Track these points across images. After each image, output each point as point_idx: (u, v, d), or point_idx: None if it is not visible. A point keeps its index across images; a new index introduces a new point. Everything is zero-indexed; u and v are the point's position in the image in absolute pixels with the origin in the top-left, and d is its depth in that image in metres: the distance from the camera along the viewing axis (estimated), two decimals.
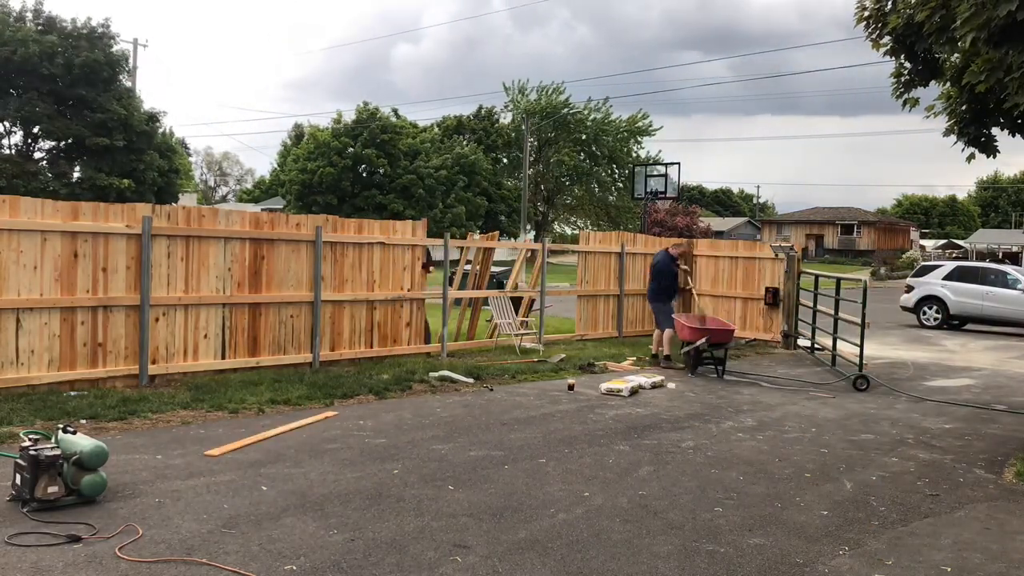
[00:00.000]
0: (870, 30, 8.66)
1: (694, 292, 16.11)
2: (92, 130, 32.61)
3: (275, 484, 6.07)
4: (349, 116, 50.57)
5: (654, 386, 10.86)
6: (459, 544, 5.04)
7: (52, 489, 5.34)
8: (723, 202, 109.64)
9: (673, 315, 13.35)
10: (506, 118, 59.24)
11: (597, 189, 59.32)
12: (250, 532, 5.09)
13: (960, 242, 75.76)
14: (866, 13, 8.66)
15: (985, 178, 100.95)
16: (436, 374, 10.82)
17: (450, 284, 13.53)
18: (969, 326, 21.78)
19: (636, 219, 51.85)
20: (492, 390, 10.39)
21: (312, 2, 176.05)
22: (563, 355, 13.14)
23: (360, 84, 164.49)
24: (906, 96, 9.00)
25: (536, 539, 5.17)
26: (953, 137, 8.80)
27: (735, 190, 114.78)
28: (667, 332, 13.13)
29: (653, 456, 7.38)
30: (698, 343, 12.08)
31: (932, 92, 8.99)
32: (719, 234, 65.24)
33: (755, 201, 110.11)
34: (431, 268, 12.87)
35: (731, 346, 12.86)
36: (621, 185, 57.08)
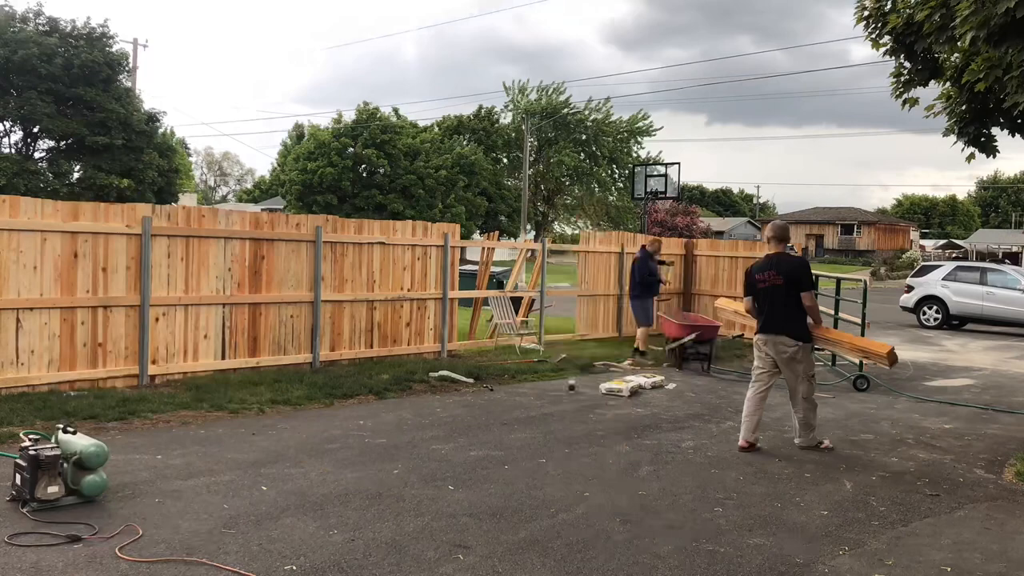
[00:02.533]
0: (870, 30, 8.66)
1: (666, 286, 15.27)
2: (91, 129, 32.60)
3: (275, 484, 6.07)
4: (349, 116, 50.63)
5: (654, 386, 10.87)
6: (459, 544, 5.04)
7: (52, 489, 5.34)
8: (723, 202, 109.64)
9: (659, 313, 13.66)
10: (506, 118, 59.26)
11: (597, 189, 59.32)
12: (250, 532, 5.09)
13: (960, 242, 75.76)
14: (866, 12, 8.66)
15: (985, 178, 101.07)
16: (436, 374, 10.81)
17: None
18: (969, 326, 21.78)
19: (636, 219, 51.84)
20: (492, 390, 10.39)
21: (312, 2, 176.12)
22: (563, 355, 13.14)
23: (360, 83, 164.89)
24: (905, 96, 9.00)
25: (536, 539, 5.17)
26: (953, 137, 8.80)
27: (735, 190, 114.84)
28: (640, 330, 13.48)
29: (653, 456, 7.38)
30: (683, 340, 12.37)
31: (931, 92, 9.00)
32: (719, 234, 65.31)
33: (755, 201, 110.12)
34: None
35: (718, 342, 13.11)
36: (621, 185, 57.08)
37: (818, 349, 10.33)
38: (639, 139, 58.57)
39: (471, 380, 10.81)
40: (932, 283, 22.07)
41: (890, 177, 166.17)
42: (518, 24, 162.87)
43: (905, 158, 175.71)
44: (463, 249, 26.88)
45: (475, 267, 17.26)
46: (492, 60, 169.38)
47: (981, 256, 61.55)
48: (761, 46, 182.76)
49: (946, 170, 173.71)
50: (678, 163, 22.57)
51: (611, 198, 58.60)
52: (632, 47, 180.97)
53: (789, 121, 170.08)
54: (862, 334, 11.92)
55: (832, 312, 13.40)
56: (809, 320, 7.84)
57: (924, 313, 22.06)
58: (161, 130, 37.99)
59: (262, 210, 39.67)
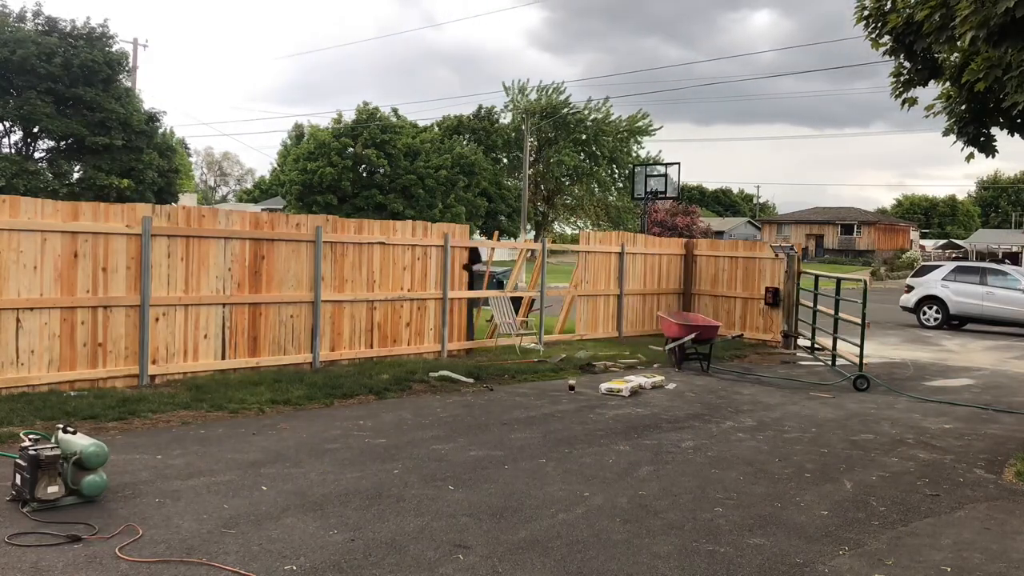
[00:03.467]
0: (869, 29, 8.66)
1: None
2: (91, 129, 32.58)
3: (275, 484, 6.07)
4: (349, 116, 50.63)
5: (654, 386, 10.87)
6: (459, 544, 5.04)
7: (52, 489, 5.34)
8: (723, 202, 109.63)
9: (658, 312, 13.82)
10: (506, 118, 59.27)
11: (597, 189, 59.32)
12: (250, 532, 5.09)
13: (960, 242, 75.74)
14: (866, 12, 8.66)
15: (985, 178, 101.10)
16: (436, 374, 10.81)
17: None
18: (969, 326, 21.78)
19: (636, 219, 51.83)
20: (492, 390, 10.39)
21: (313, 3, 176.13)
22: (563, 355, 13.14)
23: (360, 83, 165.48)
24: (905, 96, 9.00)
25: (536, 539, 5.18)
26: (952, 136, 8.80)
27: (735, 190, 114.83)
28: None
29: (653, 456, 7.38)
30: (683, 339, 12.40)
31: (931, 92, 9.00)
32: (719, 234, 65.27)
33: (755, 201, 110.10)
34: (472, 268, 13.51)
35: (717, 342, 13.13)
36: (621, 185, 57.07)
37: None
38: (639, 139, 58.56)
39: (471, 380, 10.81)
40: (932, 283, 22.07)
41: (835, 176, 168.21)
42: (440, 31, 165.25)
43: (843, 159, 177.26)
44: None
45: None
46: (431, 64, 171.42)
47: (981, 256, 61.52)
48: (666, 46, 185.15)
49: (884, 169, 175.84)
50: (678, 163, 22.56)
51: (611, 198, 58.59)
52: (556, 50, 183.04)
53: (698, 119, 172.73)
54: (862, 334, 11.94)
55: (832, 312, 13.42)
56: None
57: (924, 313, 22.06)
58: (161, 130, 37.96)
59: (262, 210, 39.66)
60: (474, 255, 13.64)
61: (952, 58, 8.31)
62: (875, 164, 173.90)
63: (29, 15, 33.25)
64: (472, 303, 13.92)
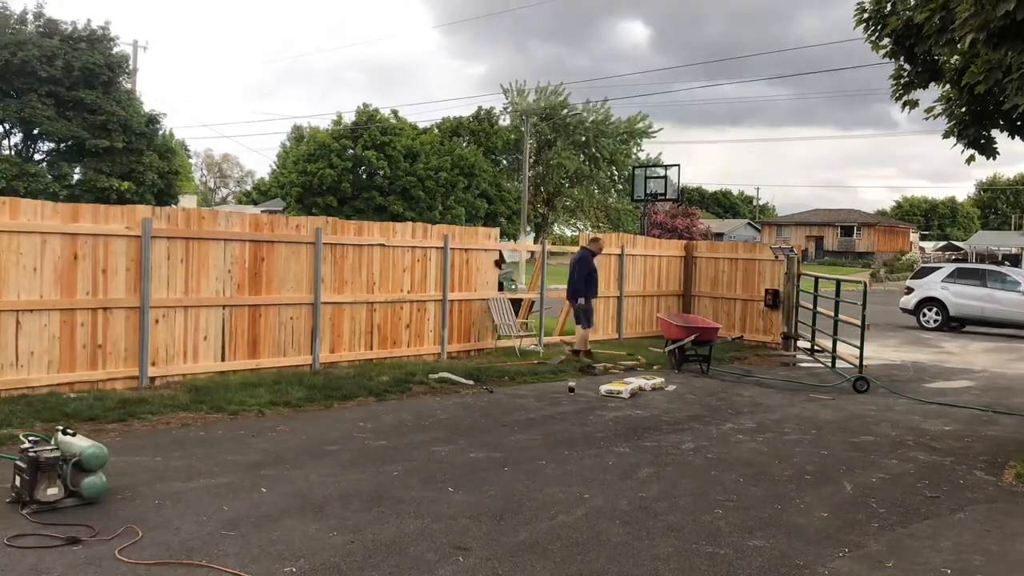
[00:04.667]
0: (869, 32, 8.67)
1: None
2: (92, 132, 32.60)
3: (275, 486, 6.06)
4: (349, 118, 50.65)
5: (654, 388, 10.87)
6: (459, 546, 5.04)
7: (52, 491, 5.34)
8: (723, 204, 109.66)
9: (658, 314, 13.71)
10: (505, 120, 59.29)
11: (597, 191, 59.30)
12: (250, 534, 5.09)
13: (959, 244, 75.78)
14: (865, 15, 8.67)
15: (984, 180, 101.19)
16: (436, 376, 10.81)
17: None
18: (969, 328, 21.78)
19: (636, 221, 51.83)
20: (492, 392, 10.39)
21: (314, 3, 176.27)
22: (563, 357, 13.13)
23: (361, 83, 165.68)
24: (905, 98, 9.01)
25: (536, 541, 5.17)
26: (953, 139, 8.81)
27: (735, 191, 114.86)
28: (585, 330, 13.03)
29: (653, 458, 7.38)
30: (683, 341, 12.39)
31: (931, 94, 9.02)
32: (719, 236, 65.35)
33: (755, 203, 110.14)
34: (500, 266, 14.15)
35: (716, 343, 13.11)
36: (621, 187, 57.07)
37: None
38: (639, 140, 58.52)
39: (471, 382, 10.80)
40: (932, 285, 22.07)
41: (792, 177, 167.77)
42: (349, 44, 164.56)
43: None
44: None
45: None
46: (343, 70, 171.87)
47: (980, 258, 61.57)
48: (544, 46, 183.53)
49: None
50: (678, 165, 22.58)
51: (611, 200, 58.58)
52: (467, 57, 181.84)
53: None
54: (862, 336, 11.94)
55: (832, 314, 13.42)
56: None
57: (924, 315, 22.06)
58: (161, 132, 37.96)
59: (262, 212, 39.65)
60: (500, 257, 14.15)
61: (952, 61, 8.32)
62: (807, 165, 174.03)
63: (30, 16, 33.25)
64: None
